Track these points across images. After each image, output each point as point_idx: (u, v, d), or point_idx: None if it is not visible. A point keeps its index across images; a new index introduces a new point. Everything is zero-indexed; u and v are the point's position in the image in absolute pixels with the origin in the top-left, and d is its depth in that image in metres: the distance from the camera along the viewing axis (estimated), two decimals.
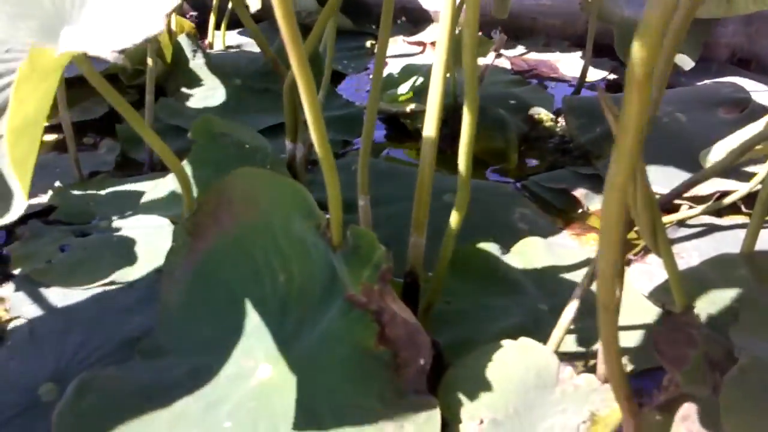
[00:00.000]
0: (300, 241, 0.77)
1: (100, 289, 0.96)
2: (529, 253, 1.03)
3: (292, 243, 0.78)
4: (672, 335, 0.56)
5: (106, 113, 1.52)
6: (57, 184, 1.21)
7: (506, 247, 1.04)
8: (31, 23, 0.69)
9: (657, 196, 0.97)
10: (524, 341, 0.79)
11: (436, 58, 0.75)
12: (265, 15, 2.12)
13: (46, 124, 1.45)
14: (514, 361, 0.77)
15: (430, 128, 0.78)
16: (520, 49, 2.04)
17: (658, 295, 0.90)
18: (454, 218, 0.81)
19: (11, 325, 0.90)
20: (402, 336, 0.70)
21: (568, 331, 0.80)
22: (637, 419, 0.58)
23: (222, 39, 1.91)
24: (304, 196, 0.77)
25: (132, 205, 1.12)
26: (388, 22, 0.86)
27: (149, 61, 1.25)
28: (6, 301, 0.94)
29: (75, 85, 1.41)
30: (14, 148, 0.52)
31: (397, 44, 2.08)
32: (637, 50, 0.37)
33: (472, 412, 0.73)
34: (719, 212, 1.16)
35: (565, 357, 0.80)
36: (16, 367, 0.83)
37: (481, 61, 1.83)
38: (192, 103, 1.51)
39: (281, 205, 0.80)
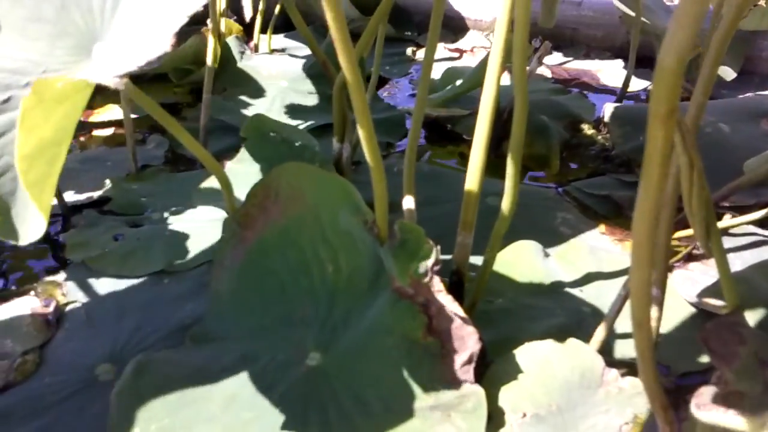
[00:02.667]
0: (348, 234, 0.80)
1: (152, 278, 0.99)
2: (571, 257, 1.04)
3: (340, 235, 0.80)
4: (722, 333, 0.56)
5: None
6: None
7: (549, 250, 1.05)
8: (67, 42, 0.72)
9: None
10: (570, 341, 0.80)
11: (491, 63, 0.77)
12: (308, 20, 2.16)
13: (99, 119, 1.50)
14: (559, 360, 0.78)
15: (481, 131, 0.80)
16: (561, 58, 2.05)
17: (705, 296, 0.91)
18: (501, 221, 0.83)
19: (68, 309, 0.94)
20: (449, 328, 0.72)
21: (611, 333, 0.81)
22: (673, 428, 0.59)
23: (268, 42, 1.95)
24: (351, 193, 0.80)
25: (184, 198, 1.15)
26: (437, 28, 0.88)
27: (209, 60, 1.29)
28: (63, 286, 0.98)
29: None
30: (27, 174, 0.53)
31: (438, 51, 2.10)
32: (657, 90, 0.38)
33: (515, 406, 0.74)
34: (762, 222, 1.15)
35: (607, 358, 0.80)
36: (74, 349, 0.87)
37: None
38: (239, 103, 1.55)
39: (328, 199, 0.82)
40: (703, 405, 0.49)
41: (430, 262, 0.72)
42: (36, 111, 0.52)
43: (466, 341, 0.71)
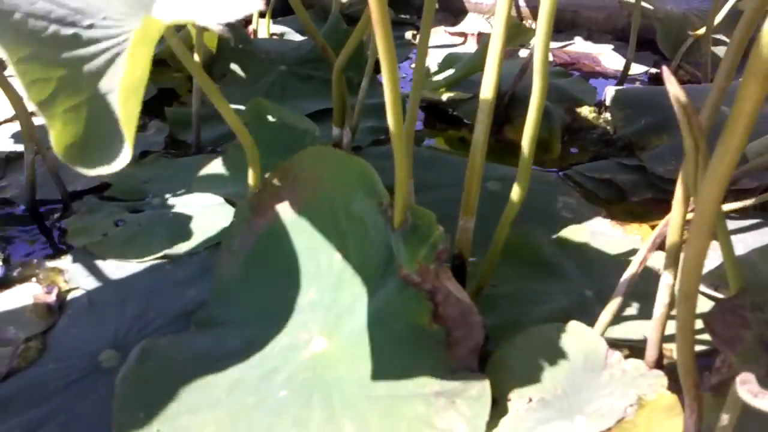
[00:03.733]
0: (359, 219, 0.79)
1: (154, 263, 0.99)
2: (573, 241, 1.04)
3: (352, 222, 0.80)
4: (726, 317, 0.56)
5: (152, 97, 1.55)
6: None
7: (550, 235, 1.05)
8: None
9: None
10: (573, 325, 0.80)
11: (492, 46, 0.76)
12: (306, 4, 2.15)
13: None
14: (563, 344, 0.78)
15: (483, 115, 0.79)
16: (563, 41, 2.04)
17: (710, 280, 0.91)
18: (511, 205, 0.83)
19: (71, 295, 0.93)
20: (455, 315, 0.72)
21: (614, 317, 0.81)
22: (701, 405, 0.59)
23: (267, 27, 1.94)
24: (370, 175, 0.79)
25: (184, 183, 1.15)
26: (431, 10, 0.88)
27: (195, 49, 1.27)
28: (65, 273, 0.98)
29: None
30: (125, 106, 0.56)
31: (439, 35, 2.09)
32: (762, 48, 0.39)
33: (520, 391, 0.74)
34: (764, 206, 1.15)
35: (611, 342, 0.81)
36: (77, 335, 0.87)
37: (523, 52, 1.84)
38: (237, 89, 1.54)
39: (345, 183, 0.82)
40: (761, 393, 0.48)
41: (439, 248, 0.72)
42: (138, 46, 0.55)
43: (472, 329, 0.72)
